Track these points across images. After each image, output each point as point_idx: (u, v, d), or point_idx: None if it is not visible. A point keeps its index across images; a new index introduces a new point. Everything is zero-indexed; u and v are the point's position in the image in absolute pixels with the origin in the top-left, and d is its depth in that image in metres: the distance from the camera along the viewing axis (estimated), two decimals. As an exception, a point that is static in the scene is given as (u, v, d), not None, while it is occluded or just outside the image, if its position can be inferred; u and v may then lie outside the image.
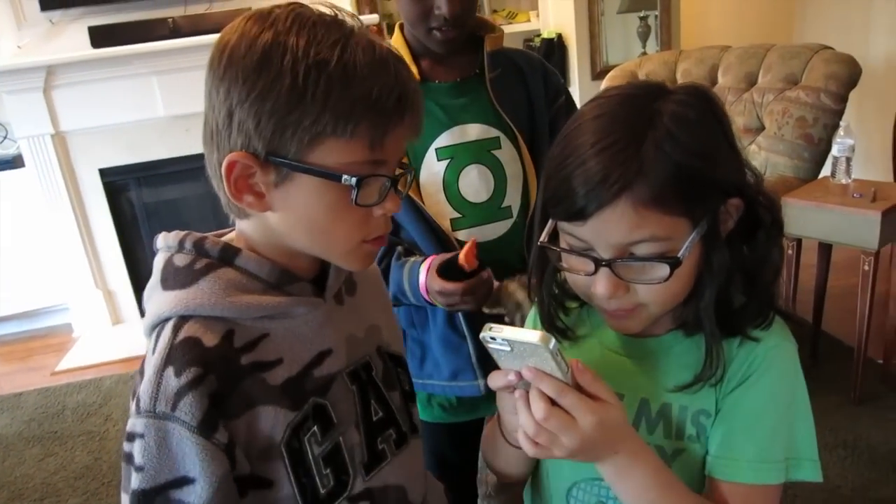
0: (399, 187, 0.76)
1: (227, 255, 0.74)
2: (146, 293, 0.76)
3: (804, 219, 2.32)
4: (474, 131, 1.23)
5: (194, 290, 0.72)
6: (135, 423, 0.68)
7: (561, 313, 0.88)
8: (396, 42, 1.25)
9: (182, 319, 0.71)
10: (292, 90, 0.65)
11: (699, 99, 0.75)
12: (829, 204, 2.29)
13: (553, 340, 0.66)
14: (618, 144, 0.70)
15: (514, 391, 0.72)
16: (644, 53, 4.04)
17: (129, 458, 0.68)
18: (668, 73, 3.29)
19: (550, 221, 0.79)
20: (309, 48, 0.66)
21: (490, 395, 1.27)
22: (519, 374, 0.70)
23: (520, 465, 0.93)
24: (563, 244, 0.78)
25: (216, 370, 0.69)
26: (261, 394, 0.72)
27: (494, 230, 1.24)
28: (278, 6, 0.70)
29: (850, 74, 2.76)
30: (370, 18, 3.59)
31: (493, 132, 1.23)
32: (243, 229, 0.77)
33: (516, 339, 0.66)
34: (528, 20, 4.30)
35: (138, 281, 3.85)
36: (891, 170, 3.27)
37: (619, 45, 4.12)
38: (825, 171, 2.70)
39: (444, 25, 1.16)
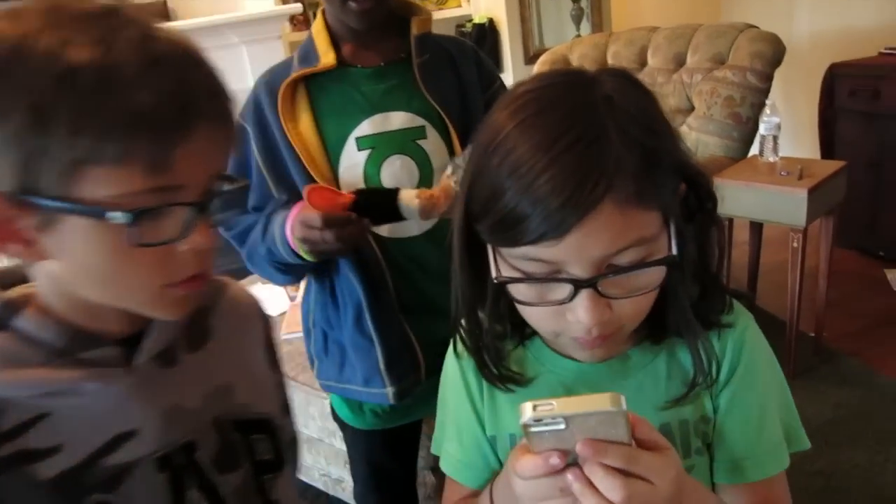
0: (209, 216, 0.61)
1: (5, 315, 0.60)
2: None
3: (735, 198, 2.33)
4: (398, 120, 1.15)
5: None
6: None
7: (499, 357, 0.77)
8: (317, 27, 1.17)
9: None
10: (33, 110, 0.51)
11: (627, 79, 0.66)
12: (757, 183, 2.32)
13: (622, 397, 0.52)
14: (584, 139, 0.59)
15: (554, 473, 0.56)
16: (578, 36, 4.05)
17: None
18: (598, 55, 3.29)
19: (493, 251, 0.66)
20: (58, 52, 0.51)
21: (422, 397, 1.25)
22: (563, 455, 0.55)
23: None
24: (509, 273, 0.65)
25: None
26: (22, 492, 0.58)
27: (420, 224, 1.15)
28: (26, 6, 0.54)
29: (774, 53, 2.80)
30: (293, 8, 3.50)
31: (419, 121, 1.16)
32: (40, 287, 0.61)
33: (577, 413, 0.52)
34: (459, 5, 4.26)
35: None
36: (817, 147, 3.35)
37: (554, 28, 4.13)
38: (754, 149, 2.74)
39: None
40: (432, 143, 1.17)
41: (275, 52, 3.39)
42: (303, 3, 3.75)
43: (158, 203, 0.55)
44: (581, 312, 0.62)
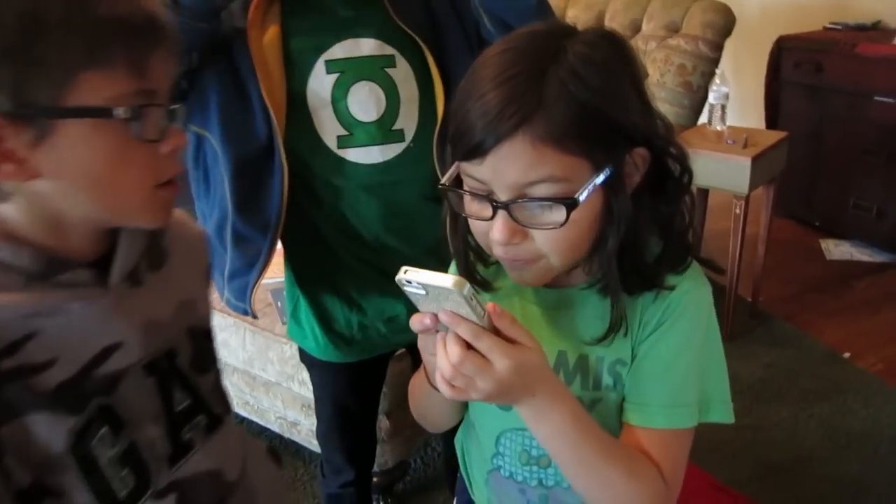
0: (176, 121, 0.67)
1: None
2: None
3: (682, 165, 2.40)
4: (367, 46, 1.16)
5: None
6: None
7: (480, 265, 0.86)
8: None
9: None
10: (24, 20, 0.55)
11: (609, 42, 0.73)
12: (704, 150, 2.40)
13: (467, 285, 0.64)
14: (519, 77, 0.68)
15: (435, 333, 0.71)
16: None
17: None
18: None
19: (455, 164, 0.76)
20: None
21: (383, 334, 1.29)
22: (436, 318, 0.69)
23: (447, 411, 0.93)
24: (466, 188, 0.75)
25: None
26: (28, 401, 0.63)
27: (383, 153, 1.17)
28: None
29: (725, 23, 2.86)
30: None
31: (388, 49, 1.17)
32: (3, 214, 0.64)
33: (431, 283, 0.64)
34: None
35: None
36: (762, 117, 3.45)
37: (511, -12, 4.10)
38: (703, 118, 2.82)
39: None
40: (401, 73, 1.18)
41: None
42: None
43: (144, 102, 0.61)
44: (494, 230, 0.72)
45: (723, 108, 2.56)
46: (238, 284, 1.25)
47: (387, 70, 1.17)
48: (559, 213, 0.70)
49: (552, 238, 0.72)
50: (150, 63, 0.62)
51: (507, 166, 0.69)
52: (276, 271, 2.18)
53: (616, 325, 0.77)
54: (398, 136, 1.18)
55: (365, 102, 1.16)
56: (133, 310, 0.71)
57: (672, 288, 0.78)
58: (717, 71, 2.63)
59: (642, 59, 2.98)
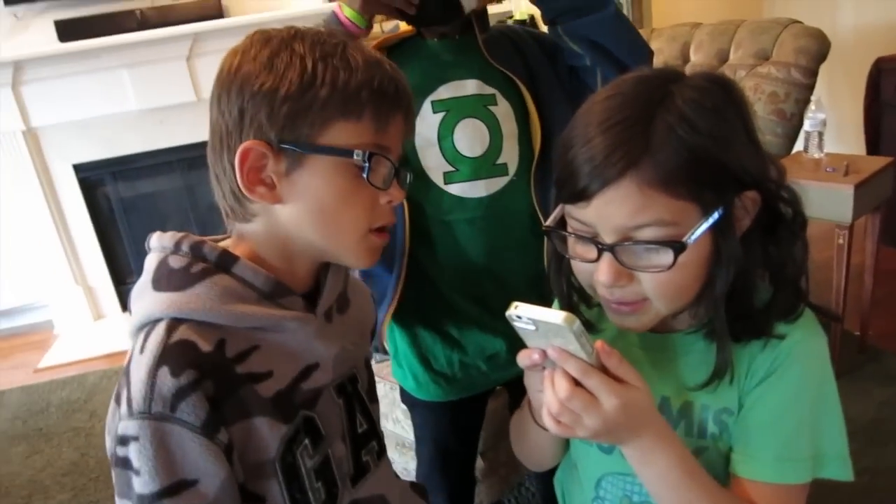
0: (401, 180, 0.78)
1: (225, 262, 0.73)
2: (135, 292, 0.74)
3: (779, 194, 2.33)
4: (471, 86, 1.23)
5: (189, 293, 0.70)
6: (127, 426, 0.66)
7: (583, 306, 0.86)
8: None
9: (175, 322, 0.70)
10: (302, 77, 0.69)
11: (718, 86, 0.72)
12: (802, 179, 2.32)
13: (577, 321, 0.65)
14: (626, 122, 0.68)
15: (542, 370, 0.72)
16: (617, 32, 4.04)
17: (124, 462, 0.66)
18: (641, 51, 3.29)
19: (560, 206, 0.77)
20: (314, 48, 0.71)
21: (482, 371, 1.31)
22: (544, 354, 0.70)
23: (549, 449, 0.92)
24: (570, 230, 0.76)
25: (212, 376, 0.68)
26: (255, 405, 0.71)
27: (488, 187, 1.23)
28: (275, 29, 0.75)
29: (819, 48, 2.78)
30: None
31: (489, 89, 1.23)
32: (244, 234, 0.77)
33: (541, 319, 0.65)
34: (500, 1, 4.28)
35: (118, 276, 3.84)
36: (863, 143, 3.31)
37: (593, 23, 4.11)
38: (798, 146, 2.73)
39: None
40: (502, 110, 1.24)
41: (320, 49, 3.47)
42: (347, 1, 3.80)
43: (378, 153, 0.73)
44: (601, 273, 0.72)
45: (820, 135, 2.47)
46: None
47: (489, 108, 1.22)
48: (666, 256, 0.69)
49: (659, 281, 0.72)
50: (390, 125, 0.74)
51: (613, 210, 0.69)
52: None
53: (721, 371, 0.75)
54: (502, 170, 1.23)
55: (470, 138, 1.21)
56: (330, 337, 0.81)
57: (782, 337, 0.76)
58: (813, 97, 2.54)
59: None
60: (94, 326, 3.79)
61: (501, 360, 1.29)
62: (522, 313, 0.66)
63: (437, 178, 1.22)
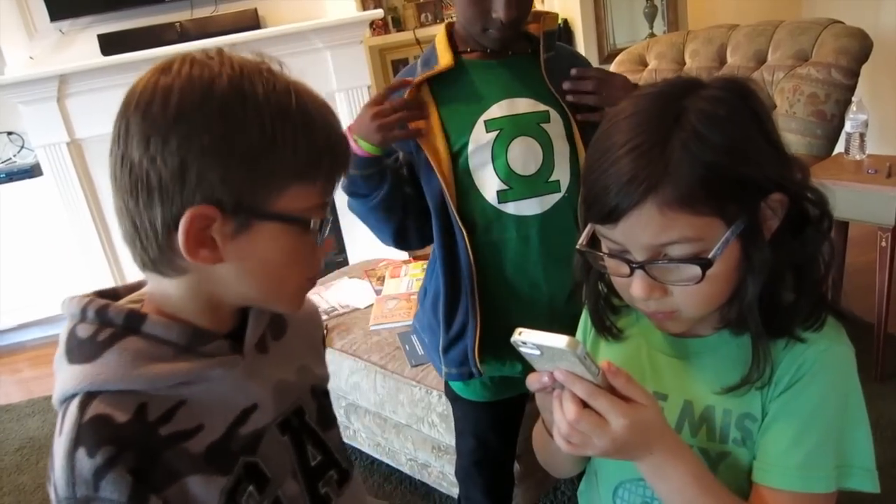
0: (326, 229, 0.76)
1: (132, 323, 0.69)
2: (55, 364, 0.71)
3: (819, 197, 2.29)
4: (524, 104, 1.25)
5: (99, 363, 0.67)
6: None
7: (610, 313, 0.89)
8: (440, 37, 1.29)
9: (89, 396, 0.66)
10: (262, 138, 0.64)
11: (732, 93, 0.73)
12: (843, 181, 2.27)
13: (581, 345, 0.66)
14: (645, 145, 0.70)
15: (552, 391, 0.73)
16: (651, 35, 4.02)
17: None
18: (676, 54, 3.27)
19: (589, 225, 0.79)
20: (268, 96, 0.65)
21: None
22: (552, 377, 0.71)
23: (568, 460, 0.94)
24: (602, 247, 0.78)
25: (132, 447, 0.65)
26: (185, 464, 0.68)
27: (542, 203, 1.25)
28: (207, 53, 0.68)
29: (861, 48, 2.73)
30: (374, 13, 3.60)
31: (542, 107, 1.25)
32: (163, 288, 0.72)
33: (545, 344, 0.67)
34: (535, 6, 4.28)
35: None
36: (906, 143, 3.24)
37: (626, 27, 4.10)
38: (839, 147, 2.68)
39: (500, 28, 1.20)
40: (554, 128, 1.26)
41: (357, 56, 3.55)
42: (382, 9, 3.85)
43: (323, 216, 0.72)
44: (634, 288, 0.74)
45: (861, 136, 2.43)
46: (456, 353, 1.32)
47: (542, 125, 1.24)
48: (694, 271, 0.71)
49: (689, 293, 0.74)
50: (335, 180, 0.73)
51: (638, 231, 0.71)
52: (402, 315, 2.25)
53: (755, 374, 0.76)
54: (555, 188, 1.25)
55: (524, 157, 1.23)
56: (263, 374, 0.78)
57: (804, 341, 0.76)
58: (854, 98, 2.50)
59: (768, 90, 2.90)
60: (136, 333, 3.85)
61: None
62: (527, 339, 0.68)
63: (491, 197, 1.24)
